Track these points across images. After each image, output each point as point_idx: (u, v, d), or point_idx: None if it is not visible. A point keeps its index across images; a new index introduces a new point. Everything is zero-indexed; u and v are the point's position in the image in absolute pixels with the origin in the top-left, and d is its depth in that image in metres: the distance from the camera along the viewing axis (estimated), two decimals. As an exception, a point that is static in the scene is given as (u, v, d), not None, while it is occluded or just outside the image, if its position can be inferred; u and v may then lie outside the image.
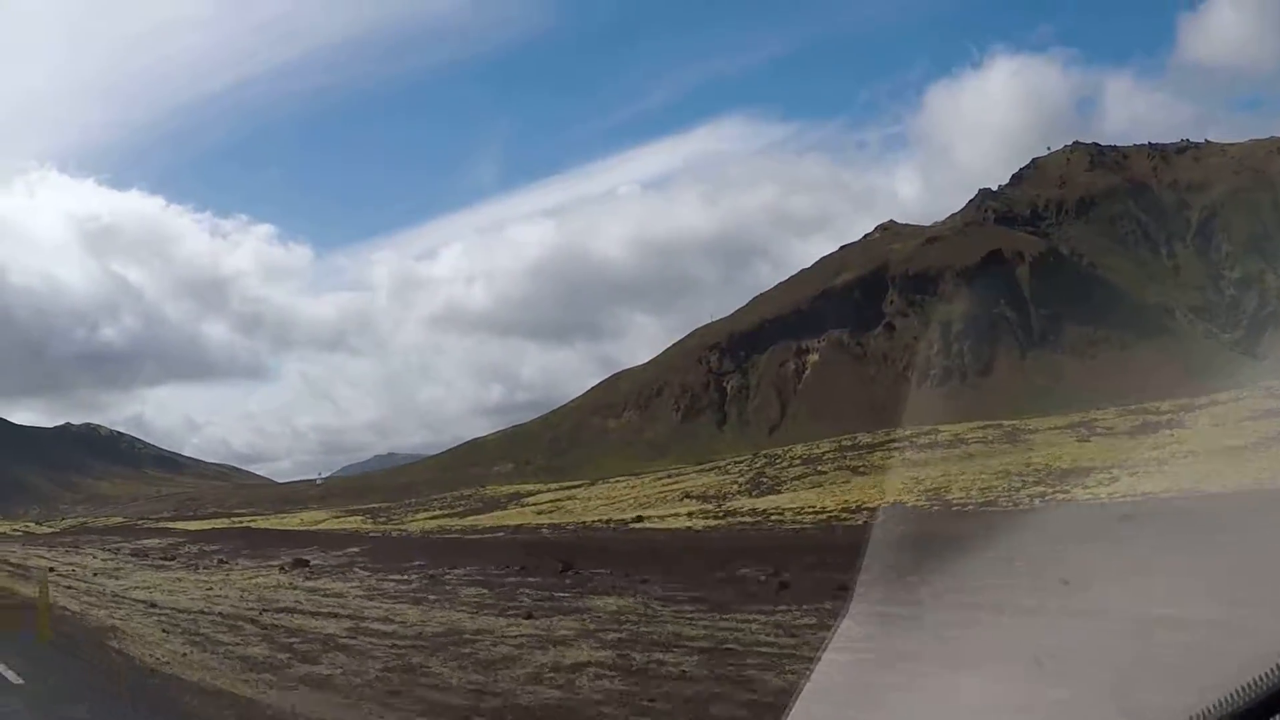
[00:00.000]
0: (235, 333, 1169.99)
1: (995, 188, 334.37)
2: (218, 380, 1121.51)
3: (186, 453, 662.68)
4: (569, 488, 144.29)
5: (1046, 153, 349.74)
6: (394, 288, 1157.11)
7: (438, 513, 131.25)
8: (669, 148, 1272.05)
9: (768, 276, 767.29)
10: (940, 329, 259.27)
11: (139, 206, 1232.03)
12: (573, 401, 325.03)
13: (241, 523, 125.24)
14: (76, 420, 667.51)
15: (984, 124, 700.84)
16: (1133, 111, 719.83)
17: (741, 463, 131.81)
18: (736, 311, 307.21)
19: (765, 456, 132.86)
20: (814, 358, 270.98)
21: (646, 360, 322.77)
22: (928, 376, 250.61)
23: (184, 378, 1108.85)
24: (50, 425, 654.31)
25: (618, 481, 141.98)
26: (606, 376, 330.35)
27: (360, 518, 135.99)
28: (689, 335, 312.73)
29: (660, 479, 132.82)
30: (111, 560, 60.73)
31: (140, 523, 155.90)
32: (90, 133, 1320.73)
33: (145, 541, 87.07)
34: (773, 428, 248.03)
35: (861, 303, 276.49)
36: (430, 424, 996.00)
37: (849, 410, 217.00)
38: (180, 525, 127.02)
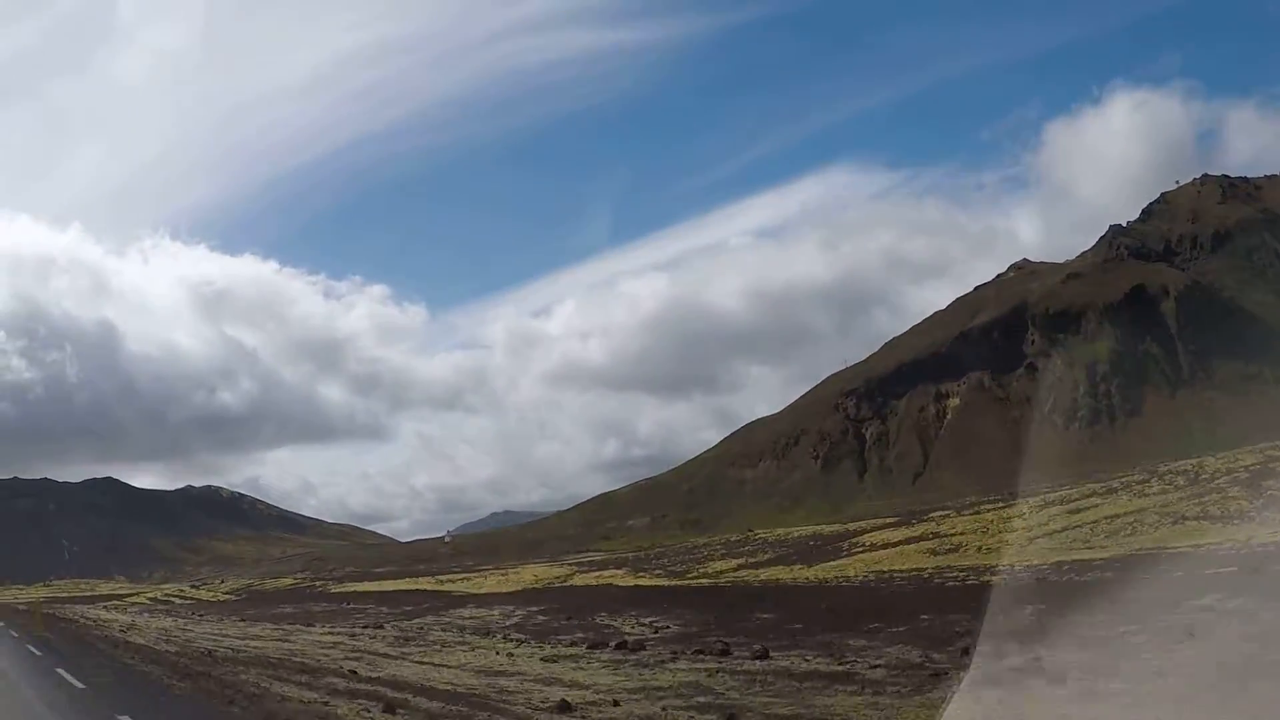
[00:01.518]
0: (352, 394, 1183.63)
1: (1125, 224, 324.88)
2: (335, 441, 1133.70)
3: (305, 513, 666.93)
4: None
5: (1175, 186, 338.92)
6: (509, 345, 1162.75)
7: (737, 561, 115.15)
8: (780, 197, 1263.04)
9: (886, 324, 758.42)
10: (1086, 369, 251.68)
11: (252, 271, 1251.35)
12: (707, 452, 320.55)
13: (417, 583, 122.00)
14: (197, 483, 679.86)
15: (1106, 160, 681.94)
16: (1258, 142, 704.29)
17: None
18: (871, 356, 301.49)
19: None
20: (954, 401, 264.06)
21: (779, 409, 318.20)
22: (1075, 418, 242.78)
23: (301, 439, 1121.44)
24: (171, 489, 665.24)
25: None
26: (738, 427, 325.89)
27: (622, 570, 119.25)
28: (824, 382, 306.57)
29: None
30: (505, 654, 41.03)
31: (314, 586, 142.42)
32: (200, 200, 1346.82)
33: (418, 616, 74.68)
34: (916, 475, 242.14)
35: (1001, 343, 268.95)
36: (547, 481, 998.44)
37: (994, 455, 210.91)
38: (357, 588, 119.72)
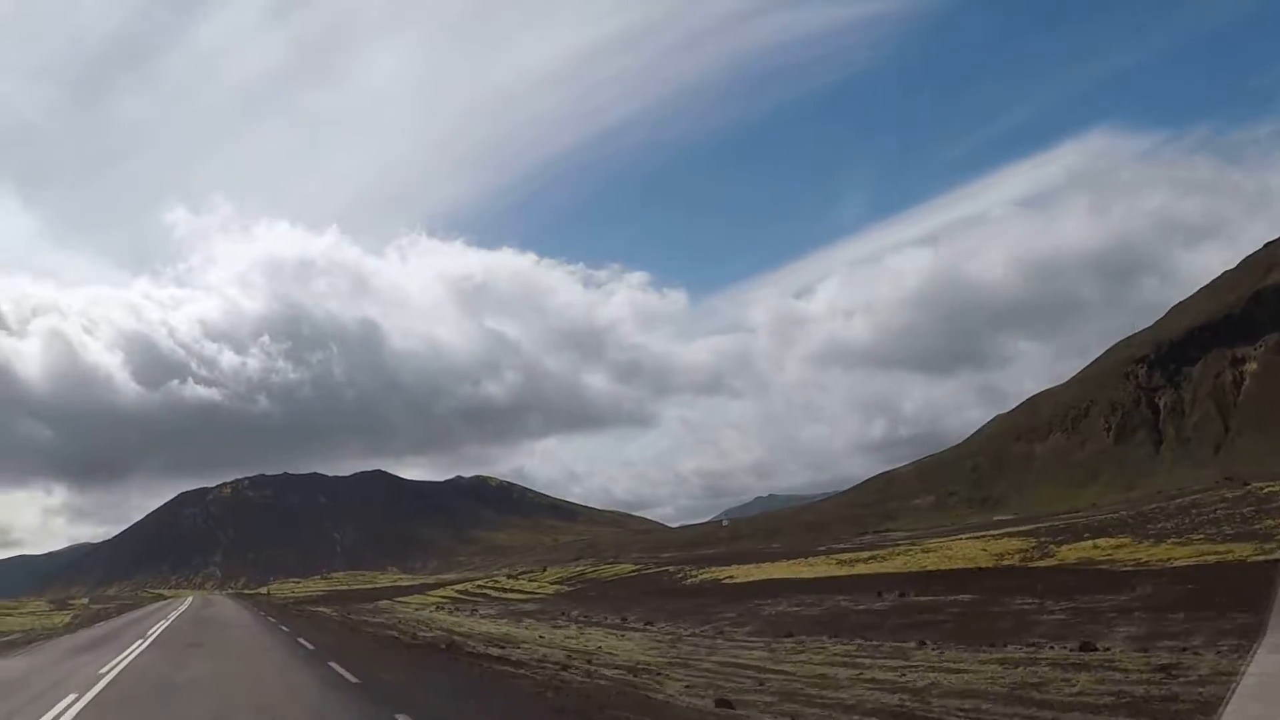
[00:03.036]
0: (614, 381, 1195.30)
1: None
2: (599, 429, 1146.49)
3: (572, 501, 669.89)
4: None
5: None
6: (772, 327, 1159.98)
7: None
8: (1040, 163, 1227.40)
9: (1156, 291, 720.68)
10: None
11: (511, 263, 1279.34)
12: (987, 427, 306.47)
13: (808, 567, 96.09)
14: (466, 474, 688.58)
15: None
16: None
17: None
18: (1158, 321, 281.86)
19: None
20: (1252, 366, 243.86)
21: (1053, 383, 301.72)
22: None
23: (566, 428, 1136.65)
24: (441, 480, 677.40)
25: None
26: (1020, 401, 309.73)
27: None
28: (1110, 350, 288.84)
29: None
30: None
31: (668, 573, 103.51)
32: (454, 197, 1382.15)
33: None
34: (1217, 445, 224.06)
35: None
36: (812, 463, 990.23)
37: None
38: (721, 574, 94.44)
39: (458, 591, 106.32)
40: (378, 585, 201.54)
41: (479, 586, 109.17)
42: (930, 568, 76.44)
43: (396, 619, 55.28)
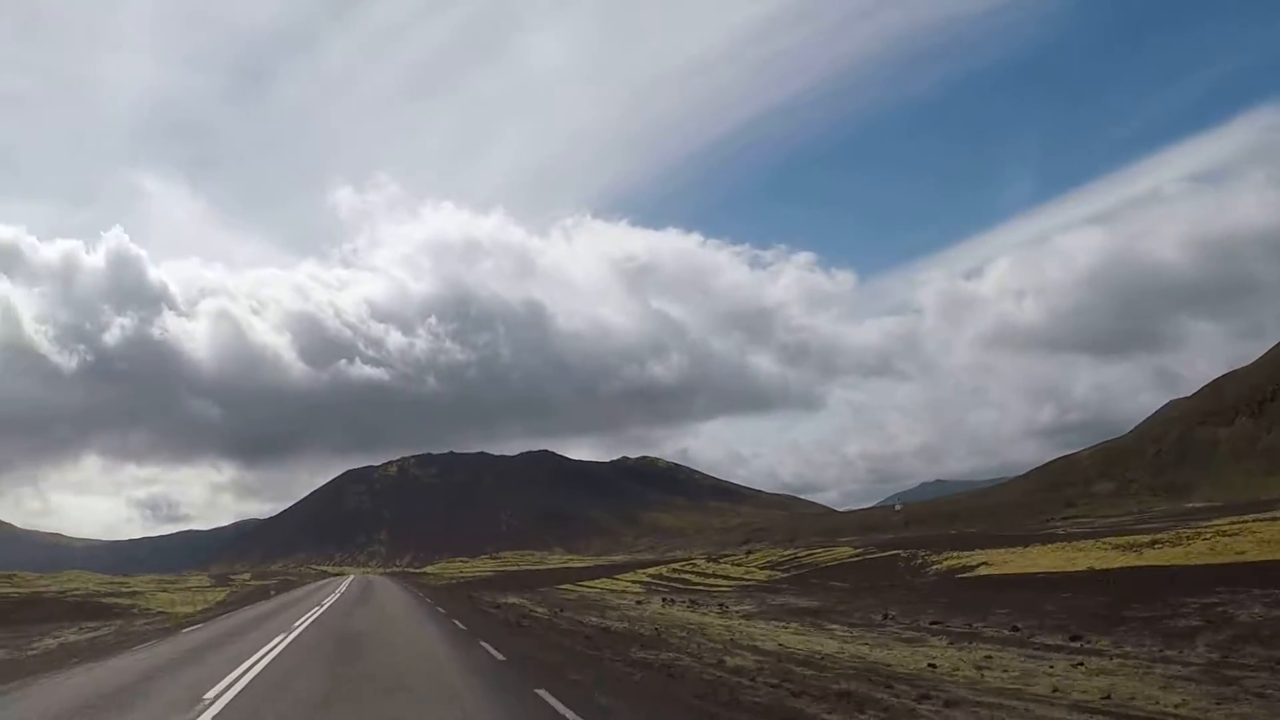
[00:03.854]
0: (781, 363, 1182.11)
1: None
2: (766, 412, 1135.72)
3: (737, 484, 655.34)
4: None
5: None
6: (941, 308, 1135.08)
7: None
8: (1215, 138, 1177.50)
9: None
10: None
11: (676, 244, 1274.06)
12: (1167, 410, 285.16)
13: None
14: (632, 454, 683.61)
15: None
16: None
17: None
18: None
19: None
20: None
21: (1231, 367, 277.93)
22: None
23: (733, 410, 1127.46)
24: (606, 460, 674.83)
25: None
26: (1211, 380, 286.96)
27: None
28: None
29: None
30: None
31: (912, 560, 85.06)
32: (618, 178, 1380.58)
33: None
34: None
35: None
36: (979, 449, 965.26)
37: None
38: (973, 560, 72.41)
39: (651, 576, 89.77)
40: (548, 566, 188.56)
41: (674, 570, 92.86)
42: (1253, 557, 59.47)
43: (628, 618, 39.36)
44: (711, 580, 79.82)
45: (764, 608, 48.34)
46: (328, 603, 57.42)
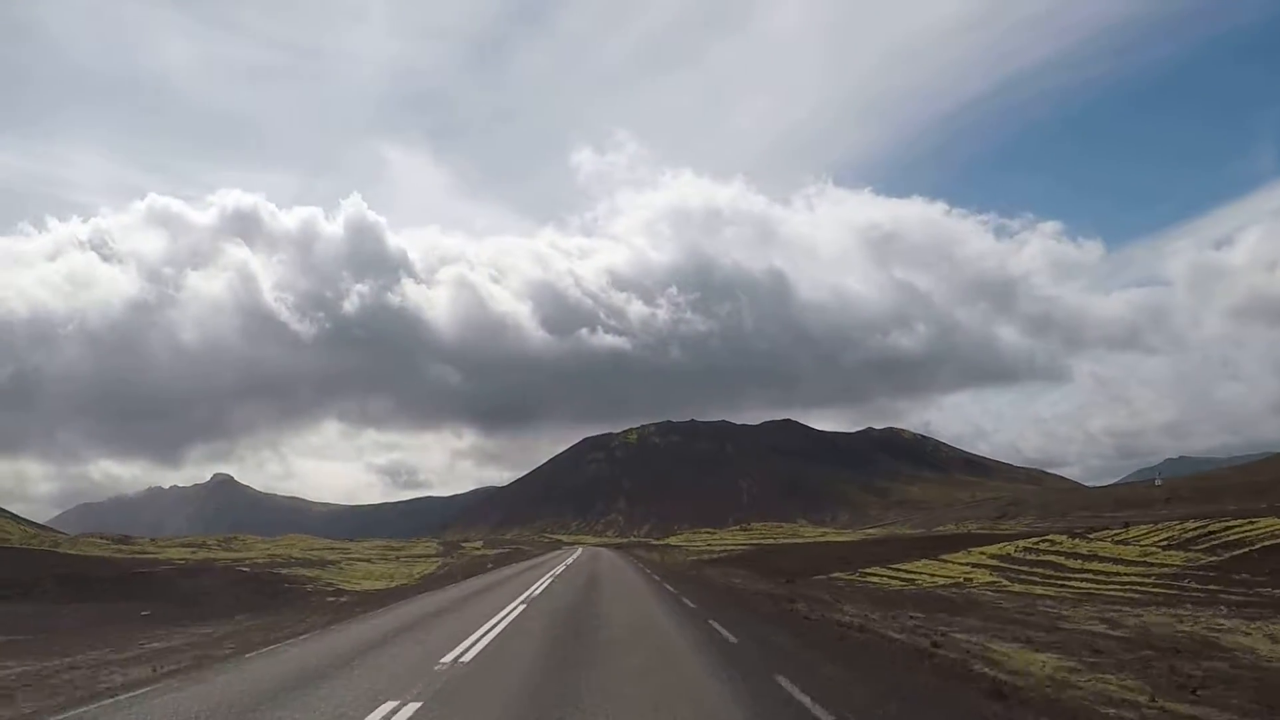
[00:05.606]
0: (1025, 335, 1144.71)
1: None
2: (1011, 384, 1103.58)
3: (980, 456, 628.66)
4: None
5: None
6: (1190, 280, 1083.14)
7: None
8: None
9: None
10: None
11: (920, 212, 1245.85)
12: None
13: None
14: (877, 425, 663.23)
15: None
16: None
17: None
18: None
19: None
20: None
21: None
22: None
23: (978, 382, 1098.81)
24: (851, 430, 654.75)
25: None
26: None
27: None
28: None
29: None
30: None
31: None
32: (861, 145, 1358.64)
33: None
34: None
35: None
36: (1226, 425, 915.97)
37: None
38: None
39: (994, 558, 61.91)
40: (806, 540, 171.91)
41: (1022, 550, 63.86)
42: None
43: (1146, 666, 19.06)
44: (1099, 567, 54.86)
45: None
46: (539, 586, 42.09)
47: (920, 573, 58.56)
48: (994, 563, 61.71)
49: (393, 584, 62.55)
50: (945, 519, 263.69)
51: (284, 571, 71.99)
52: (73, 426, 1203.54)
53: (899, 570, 61.38)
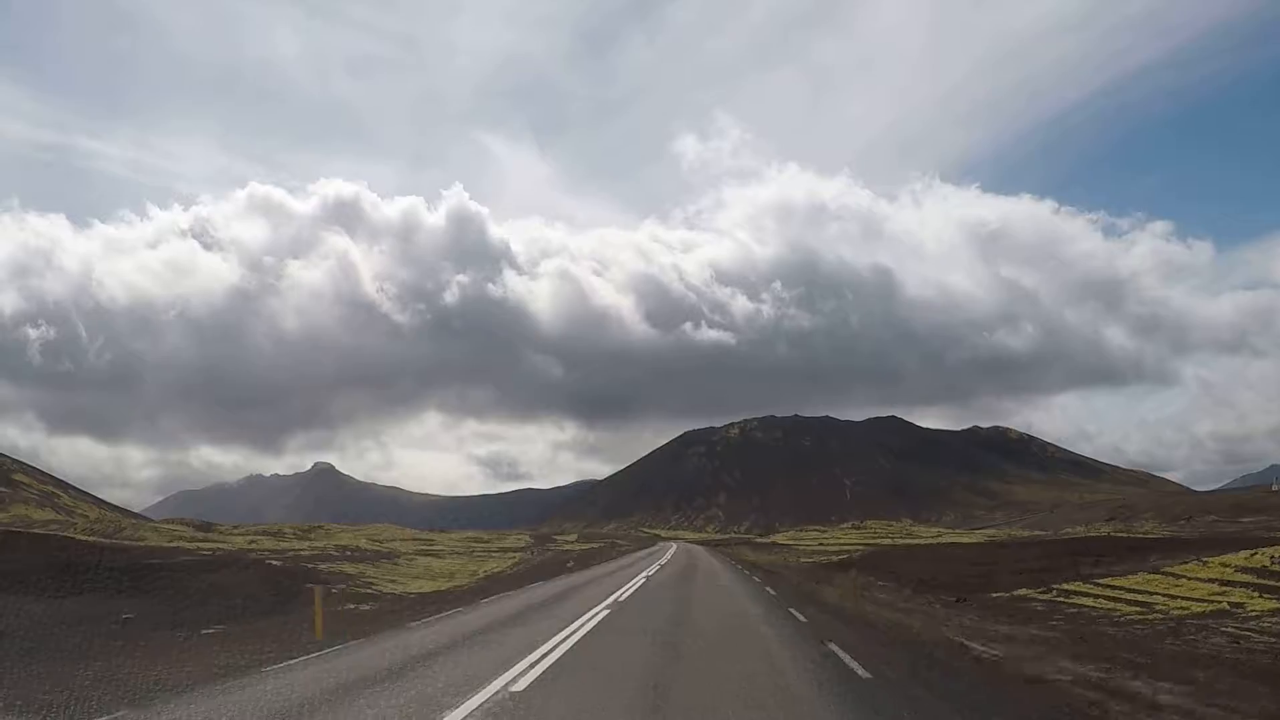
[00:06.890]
0: (1132, 336, 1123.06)
1: None
2: (1117, 386, 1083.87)
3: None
4: None
5: None
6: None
7: None
8: None
9: None
10: None
11: (1028, 210, 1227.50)
12: None
13: None
14: (982, 424, 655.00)
15: None
16: None
17: None
18: None
19: None
20: None
21: None
22: None
23: (1084, 383, 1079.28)
24: (956, 429, 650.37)
25: None
26: None
27: None
28: None
29: None
30: None
31: None
32: (969, 142, 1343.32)
33: None
34: None
35: None
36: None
37: None
38: None
39: (1241, 570, 47.74)
40: (922, 540, 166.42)
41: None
42: None
43: None
44: None
45: None
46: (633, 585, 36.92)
47: (1153, 592, 44.93)
48: (1249, 578, 43.80)
49: (445, 586, 58.75)
50: (1057, 522, 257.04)
51: (323, 567, 68.78)
52: (174, 413, 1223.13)
53: (1106, 587, 48.50)
